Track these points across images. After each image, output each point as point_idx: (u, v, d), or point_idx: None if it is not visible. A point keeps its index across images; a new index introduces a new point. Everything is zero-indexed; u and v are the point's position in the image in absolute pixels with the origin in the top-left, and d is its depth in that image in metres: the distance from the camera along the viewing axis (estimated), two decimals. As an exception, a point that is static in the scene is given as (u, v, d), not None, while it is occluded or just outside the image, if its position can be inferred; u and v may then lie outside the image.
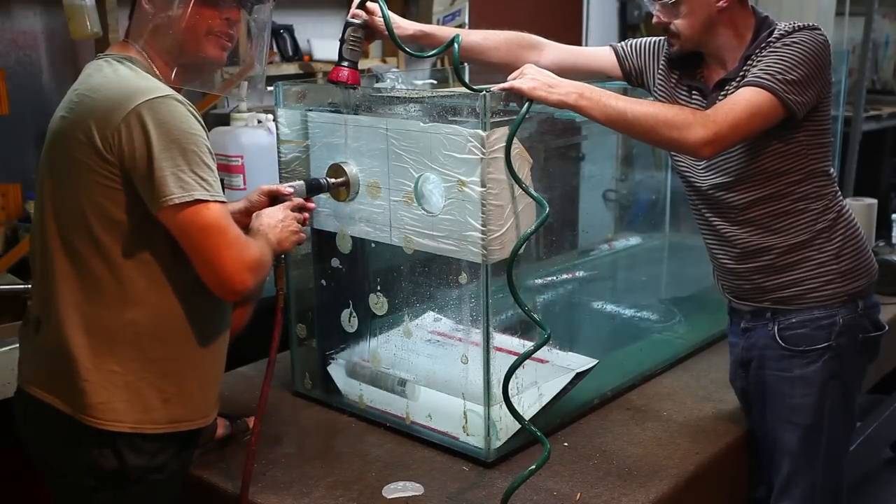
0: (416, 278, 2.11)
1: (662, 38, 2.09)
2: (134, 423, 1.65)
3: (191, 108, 1.61)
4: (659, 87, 2.11)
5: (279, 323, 1.91)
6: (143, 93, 1.57)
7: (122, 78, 1.63)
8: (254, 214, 1.86)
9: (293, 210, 1.89)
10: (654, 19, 1.99)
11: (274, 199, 1.92)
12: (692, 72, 2.06)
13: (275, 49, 3.29)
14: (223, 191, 1.64)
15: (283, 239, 1.83)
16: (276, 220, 1.83)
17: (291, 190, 1.94)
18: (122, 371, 1.64)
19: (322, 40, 3.44)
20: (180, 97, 1.61)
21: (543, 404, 2.08)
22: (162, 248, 1.63)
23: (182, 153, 1.56)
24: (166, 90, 1.61)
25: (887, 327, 2.09)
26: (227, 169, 2.86)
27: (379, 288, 2.15)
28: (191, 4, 1.66)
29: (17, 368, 1.77)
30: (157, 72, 1.70)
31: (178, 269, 1.65)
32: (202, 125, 1.63)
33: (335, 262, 2.22)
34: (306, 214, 1.94)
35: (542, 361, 2.19)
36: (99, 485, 1.67)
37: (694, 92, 2.04)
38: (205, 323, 1.72)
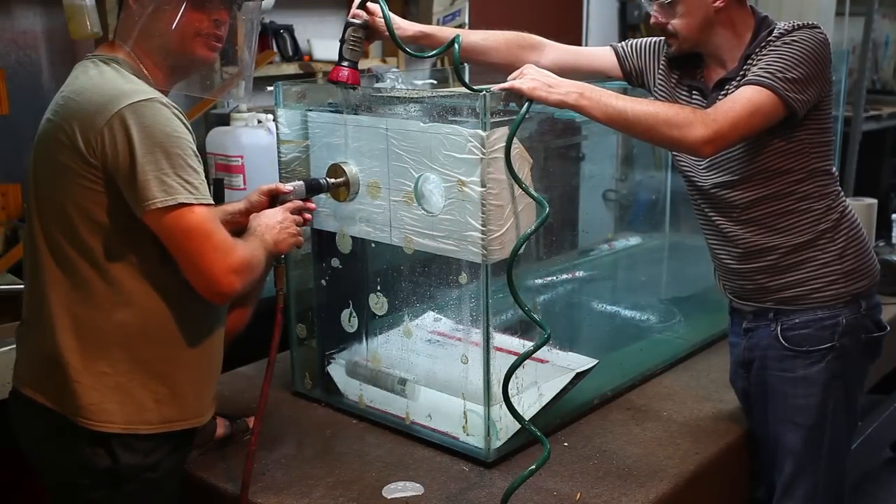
0: (416, 278, 2.11)
1: (663, 38, 2.08)
2: (126, 423, 1.65)
3: (176, 111, 1.60)
4: (659, 87, 2.11)
5: (279, 323, 1.90)
6: (126, 96, 1.56)
7: (107, 80, 1.62)
8: (252, 215, 1.85)
9: (293, 212, 1.88)
10: (652, 20, 1.99)
11: (274, 198, 1.92)
12: (692, 72, 2.06)
13: (275, 49, 3.29)
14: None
15: (280, 241, 1.82)
16: (274, 222, 1.83)
17: (291, 188, 1.94)
18: (113, 372, 1.64)
19: (322, 40, 3.43)
20: (165, 100, 1.60)
21: (543, 404, 2.07)
22: (149, 249, 1.62)
23: (166, 156, 1.55)
24: (151, 93, 1.59)
25: (889, 328, 2.08)
26: (227, 169, 2.85)
27: (379, 288, 2.15)
28: (178, 5, 1.65)
29: (14, 368, 1.77)
30: (146, 72, 1.68)
31: (167, 271, 1.64)
32: (188, 128, 1.62)
33: (335, 262, 2.22)
34: (308, 216, 1.94)
35: (542, 361, 2.19)
36: (92, 483, 1.67)
37: (694, 92, 2.04)
38: (196, 323, 1.72)
